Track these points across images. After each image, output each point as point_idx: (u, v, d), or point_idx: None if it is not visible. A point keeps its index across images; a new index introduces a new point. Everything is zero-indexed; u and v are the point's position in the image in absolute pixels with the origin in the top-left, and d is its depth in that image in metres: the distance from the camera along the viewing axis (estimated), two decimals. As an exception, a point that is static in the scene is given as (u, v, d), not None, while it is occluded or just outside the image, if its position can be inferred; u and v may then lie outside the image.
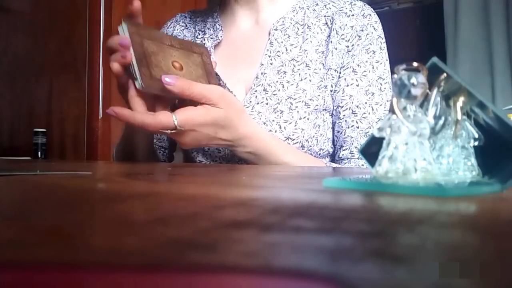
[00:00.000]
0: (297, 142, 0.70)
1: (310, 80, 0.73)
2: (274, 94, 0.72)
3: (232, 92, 0.73)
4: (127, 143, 0.74)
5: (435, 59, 0.26)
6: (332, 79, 0.74)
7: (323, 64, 0.74)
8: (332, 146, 0.75)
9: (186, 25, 0.87)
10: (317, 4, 0.79)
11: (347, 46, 0.74)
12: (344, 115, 0.72)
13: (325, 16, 0.77)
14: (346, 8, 0.76)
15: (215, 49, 0.80)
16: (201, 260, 0.09)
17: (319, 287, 0.07)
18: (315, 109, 0.72)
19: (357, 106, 0.72)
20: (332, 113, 0.75)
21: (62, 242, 0.11)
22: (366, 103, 0.72)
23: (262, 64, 0.75)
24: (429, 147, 0.25)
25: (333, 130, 0.75)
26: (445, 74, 0.26)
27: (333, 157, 0.77)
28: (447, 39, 2.42)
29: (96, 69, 1.71)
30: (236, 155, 0.65)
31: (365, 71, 0.73)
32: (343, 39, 0.74)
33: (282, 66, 0.74)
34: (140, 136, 0.71)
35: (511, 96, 2.23)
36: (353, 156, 0.72)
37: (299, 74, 0.73)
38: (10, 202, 0.19)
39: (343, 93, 0.73)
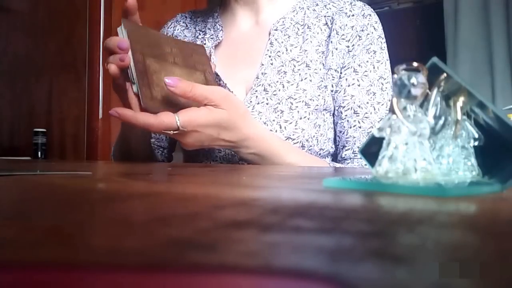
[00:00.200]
0: (298, 142, 0.70)
1: (311, 80, 0.73)
2: (275, 94, 0.72)
3: (232, 92, 0.73)
4: (124, 141, 0.75)
5: (435, 59, 0.26)
6: (333, 79, 0.74)
7: (323, 64, 0.74)
8: (332, 146, 0.75)
9: (187, 25, 0.87)
10: (317, 4, 0.79)
11: (348, 46, 0.74)
12: (346, 115, 0.73)
13: (325, 16, 0.77)
14: (346, 8, 0.76)
15: (216, 49, 0.80)
16: (201, 260, 0.09)
17: (319, 287, 0.07)
18: (316, 109, 0.72)
19: (359, 106, 0.72)
20: (333, 113, 0.75)
21: (62, 242, 0.11)
22: (367, 103, 0.72)
23: (263, 64, 0.75)
24: (429, 147, 0.25)
25: (335, 130, 0.75)
26: (445, 74, 0.26)
27: (335, 157, 0.77)
28: (447, 39, 2.42)
29: (96, 69, 1.71)
30: (239, 156, 0.65)
31: (366, 71, 0.73)
32: (343, 39, 0.74)
33: (283, 66, 0.74)
34: (137, 134, 0.71)
35: (511, 96, 2.23)
36: (356, 156, 0.72)
37: (299, 74, 0.73)
38: (10, 202, 0.19)
39: (344, 93, 0.73)
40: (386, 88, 0.73)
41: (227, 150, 0.71)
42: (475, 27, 2.34)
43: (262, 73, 0.74)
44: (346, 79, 0.73)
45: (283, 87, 0.72)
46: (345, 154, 0.73)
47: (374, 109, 0.72)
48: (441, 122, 0.27)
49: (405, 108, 0.24)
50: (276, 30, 0.77)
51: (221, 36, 0.80)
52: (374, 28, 0.75)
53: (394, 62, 0.34)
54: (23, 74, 1.92)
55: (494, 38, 2.28)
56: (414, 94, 0.24)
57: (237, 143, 0.61)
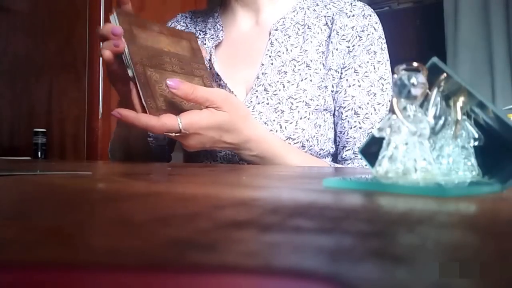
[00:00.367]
0: (298, 142, 0.70)
1: (311, 80, 0.73)
2: (275, 94, 0.72)
3: (232, 92, 0.73)
4: (120, 137, 0.75)
5: (435, 59, 0.26)
6: (333, 80, 0.74)
7: (324, 65, 0.74)
8: (333, 146, 0.75)
9: (187, 25, 0.87)
10: (317, 5, 0.79)
11: (348, 47, 0.74)
12: (346, 116, 0.73)
13: (325, 17, 0.77)
14: (346, 9, 0.76)
15: (216, 49, 0.80)
16: (201, 260, 0.09)
17: (319, 287, 0.07)
18: (316, 109, 0.72)
19: (359, 107, 0.72)
20: (333, 114, 0.75)
21: (62, 242, 0.11)
22: (368, 103, 0.72)
23: (263, 64, 0.75)
24: (429, 147, 0.25)
25: (335, 131, 0.75)
26: (445, 74, 0.26)
27: (335, 157, 0.77)
28: (447, 39, 2.42)
29: (96, 69, 1.71)
30: (241, 157, 0.65)
31: (366, 72, 0.73)
32: (343, 39, 0.74)
33: (283, 66, 0.74)
34: (133, 130, 0.71)
35: (511, 96, 2.23)
36: (357, 156, 0.72)
37: (300, 74, 0.73)
38: (10, 202, 0.19)
39: (345, 93, 0.73)
40: (387, 88, 0.73)
41: (228, 151, 0.71)
42: (475, 27, 2.34)
43: (262, 73, 0.74)
44: (347, 80, 0.73)
45: (284, 87, 0.72)
46: (346, 155, 0.73)
47: (375, 109, 0.72)
48: (441, 122, 0.27)
49: (405, 108, 0.24)
50: (276, 30, 0.77)
51: (222, 36, 0.80)
52: (375, 29, 0.75)
53: (394, 62, 0.34)
54: (23, 74, 1.92)
55: (494, 38, 2.28)
56: (414, 94, 0.24)
57: (239, 145, 0.61)
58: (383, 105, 0.72)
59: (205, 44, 0.81)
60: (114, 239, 0.11)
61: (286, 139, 0.70)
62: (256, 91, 0.73)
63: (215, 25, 0.83)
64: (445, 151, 0.27)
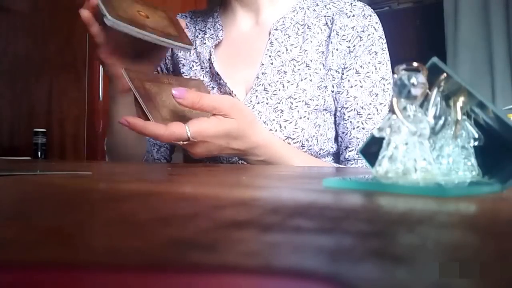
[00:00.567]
0: (297, 142, 0.70)
1: (311, 80, 0.73)
2: (275, 94, 0.72)
3: (232, 92, 0.73)
4: (114, 131, 0.75)
5: (435, 59, 0.26)
6: (333, 80, 0.74)
7: (323, 65, 0.74)
8: (333, 146, 0.75)
9: (187, 25, 0.87)
10: (317, 5, 0.79)
11: (348, 47, 0.74)
12: (349, 116, 0.73)
13: (325, 16, 0.77)
14: (346, 9, 0.76)
15: (216, 49, 0.80)
16: (201, 260, 0.09)
17: (319, 287, 0.07)
18: (315, 109, 0.72)
19: (362, 107, 0.72)
20: (335, 114, 0.75)
21: (62, 242, 0.11)
22: (370, 104, 0.72)
23: (263, 64, 0.75)
24: (429, 147, 0.25)
25: (337, 131, 0.76)
26: (445, 74, 0.26)
27: (336, 157, 0.77)
28: (447, 39, 2.42)
29: (96, 69, 1.71)
30: (248, 162, 0.65)
31: (368, 72, 0.73)
32: (344, 39, 0.74)
33: (283, 66, 0.74)
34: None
35: (511, 96, 2.23)
36: (360, 157, 0.72)
37: (299, 74, 0.73)
38: (10, 202, 0.19)
39: (347, 94, 0.73)
40: (388, 89, 0.73)
41: (234, 157, 0.71)
42: (475, 27, 2.34)
43: (262, 73, 0.74)
44: (349, 80, 0.73)
45: (283, 86, 0.73)
46: (349, 155, 0.73)
47: (377, 110, 0.72)
48: (441, 122, 0.27)
49: (405, 108, 0.24)
50: (276, 29, 0.77)
51: (221, 36, 0.80)
52: (375, 29, 0.75)
53: (394, 62, 0.34)
54: (23, 74, 1.92)
55: (494, 38, 2.28)
56: (414, 94, 0.24)
57: (246, 151, 0.61)
58: (385, 105, 0.72)
59: (204, 43, 0.81)
60: (114, 239, 0.11)
61: (286, 139, 0.70)
62: (256, 90, 0.73)
63: (215, 24, 0.83)
64: (445, 151, 0.27)
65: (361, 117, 0.72)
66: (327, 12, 0.77)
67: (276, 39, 0.76)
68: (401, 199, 0.19)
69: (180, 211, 0.16)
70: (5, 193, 0.22)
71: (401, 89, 0.24)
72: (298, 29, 0.77)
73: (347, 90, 0.73)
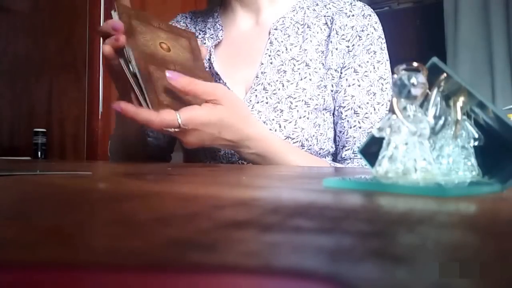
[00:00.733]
0: (297, 141, 0.70)
1: (310, 79, 0.73)
2: (274, 93, 0.72)
3: (232, 91, 0.73)
4: (120, 137, 0.75)
5: (435, 59, 0.26)
6: (332, 79, 0.74)
7: (323, 64, 0.74)
8: (332, 145, 0.75)
9: (187, 25, 0.87)
10: (317, 4, 0.79)
11: (348, 46, 0.74)
12: (346, 115, 0.73)
13: (325, 16, 0.77)
14: (346, 9, 0.76)
15: (216, 49, 0.80)
16: (201, 260, 0.09)
17: (319, 287, 0.07)
18: (315, 109, 0.72)
19: (359, 106, 0.72)
20: (333, 113, 0.75)
21: (62, 242, 0.11)
22: (368, 103, 0.72)
23: (262, 64, 0.75)
24: (429, 147, 0.25)
25: (335, 130, 0.75)
26: (445, 74, 0.26)
27: (335, 157, 0.77)
28: (447, 39, 2.42)
29: (96, 69, 1.71)
30: (241, 156, 0.65)
31: (366, 71, 0.73)
32: (343, 39, 0.74)
33: (282, 65, 0.74)
34: (133, 130, 0.71)
35: (511, 96, 2.23)
36: (356, 156, 0.72)
37: (299, 73, 0.73)
38: (10, 202, 0.19)
39: (344, 93, 0.73)
40: (386, 88, 0.73)
41: (227, 150, 0.71)
42: (475, 27, 2.34)
43: (261, 72, 0.74)
44: (347, 79, 0.73)
45: (283, 86, 0.72)
46: (345, 154, 0.73)
47: (374, 109, 0.72)
48: (441, 122, 0.27)
49: (405, 108, 0.24)
50: (276, 29, 0.77)
51: (221, 36, 0.81)
52: (374, 29, 0.75)
53: (394, 62, 0.34)
54: (23, 74, 1.92)
55: (494, 38, 2.28)
56: (414, 94, 0.24)
57: (238, 143, 0.61)
58: (382, 104, 0.72)
59: (204, 43, 0.82)
60: (114, 239, 0.11)
61: (285, 138, 0.70)
62: (255, 90, 0.73)
63: (215, 24, 0.83)
64: (445, 151, 0.27)
65: (358, 116, 0.72)
66: (327, 11, 0.77)
67: (276, 39, 0.76)
68: (401, 199, 0.19)
69: (180, 211, 0.16)
70: (5, 193, 0.22)
71: (401, 89, 0.24)
72: (298, 28, 0.77)
73: (345, 89, 0.73)
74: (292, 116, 0.70)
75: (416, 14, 2.71)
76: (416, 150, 0.24)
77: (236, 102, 0.60)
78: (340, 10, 0.76)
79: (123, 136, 0.74)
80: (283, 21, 0.78)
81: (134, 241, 0.11)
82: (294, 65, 0.74)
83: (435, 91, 0.26)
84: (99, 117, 1.72)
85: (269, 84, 0.73)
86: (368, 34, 0.74)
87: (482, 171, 0.27)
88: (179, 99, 0.58)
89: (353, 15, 0.75)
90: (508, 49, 2.26)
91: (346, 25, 0.75)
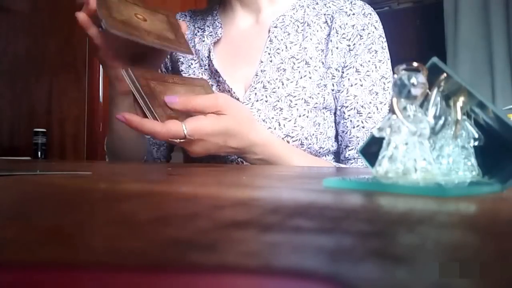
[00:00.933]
0: (296, 140, 0.70)
1: (310, 78, 0.73)
2: (274, 92, 0.72)
3: (231, 89, 0.73)
4: (117, 134, 0.74)
5: (435, 59, 0.26)
6: (333, 78, 0.74)
7: (323, 63, 0.74)
8: (333, 144, 0.75)
9: (187, 25, 0.87)
10: (317, 3, 0.79)
11: (349, 45, 0.74)
12: (349, 115, 0.73)
13: (325, 15, 0.77)
14: (346, 7, 0.76)
15: (215, 47, 0.80)
16: (201, 260, 0.09)
17: (319, 287, 0.07)
18: (315, 107, 0.72)
19: (362, 106, 0.72)
20: (335, 113, 0.75)
21: (62, 242, 0.11)
22: (370, 102, 0.72)
23: (262, 62, 0.75)
24: (429, 147, 0.25)
25: (337, 130, 0.75)
26: (445, 74, 0.26)
27: (337, 155, 0.77)
28: (447, 39, 2.42)
29: (96, 69, 1.71)
30: (246, 161, 0.65)
31: (368, 71, 0.73)
32: (344, 38, 0.74)
33: (282, 63, 0.74)
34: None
35: (511, 96, 2.23)
36: (360, 156, 0.72)
37: (299, 71, 0.73)
38: (10, 202, 0.19)
39: (347, 93, 0.73)
40: (388, 87, 0.73)
41: (232, 156, 0.71)
42: (475, 27, 2.34)
43: (261, 71, 0.74)
44: (349, 79, 0.73)
45: (283, 84, 0.72)
46: (349, 154, 0.73)
47: (377, 108, 0.72)
48: (441, 122, 0.27)
49: (405, 108, 0.24)
50: (275, 27, 0.77)
51: (220, 33, 0.80)
52: (375, 27, 0.75)
53: (394, 62, 0.34)
54: (23, 74, 1.92)
55: (494, 38, 2.28)
56: (414, 94, 0.24)
57: (244, 150, 0.61)
58: (385, 104, 0.72)
59: (203, 41, 0.81)
60: (114, 239, 0.11)
61: (285, 137, 0.70)
62: (255, 88, 0.73)
63: (214, 22, 0.83)
64: (445, 151, 0.27)
65: (361, 116, 0.72)
66: (327, 10, 0.77)
67: (275, 37, 0.76)
68: (401, 199, 0.19)
69: (180, 211, 0.16)
70: (5, 193, 0.22)
71: (401, 89, 0.24)
72: (298, 26, 0.77)
73: (347, 89, 0.73)
74: (292, 114, 0.70)
75: (416, 14, 2.71)
76: (416, 150, 0.24)
77: (240, 109, 0.60)
78: (340, 9, 0.76)
79: (122, 133, 0.74)
80: (283, 19, 0.78)
81: (134, 241, 0.11)
82: (294, 64, 0.74)
83: (435, 91, 0.26)
84: (99, 117, 1.72)
85: (268, 82, 0.73)
86: (369, 33, 0.74)
87: (482, 171, 0.27)
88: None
89: (353, 14, 0.75)
90: (508, 49, 2.26)
91: (347, 24, 0.75)
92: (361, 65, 0.73)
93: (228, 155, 0.68)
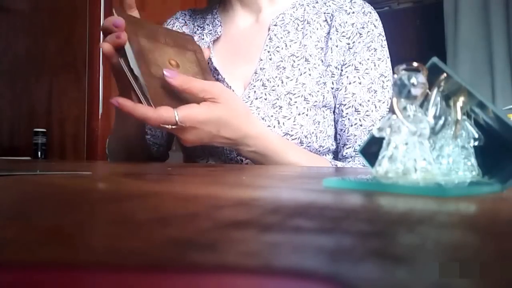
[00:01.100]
0: (296, 138, 0.70)
1: (310, 74, 0.73)
2: (273, 90, 0.72)
3: (230, 87, 0.73)
4: (118, 134, 0.75)
5: (435, 59, 0.26)
6: (332, 76, 0.74)
7: (322, 61, 0.74)
8: (333, 143, 0.75)
9: (186, 22, 0.87)
10: (316, 2, 0.79)
11: (348, 44, 0.74)
12: (347, 113, 0.72)
13: (324, 13, 0.77)
14: (346, 6, 0.76)
15: (214, 45, 0.80)
16: (201, 260, 0.09)
17: (319, 287, 0.07)
18: (314, 105, 0.72)
19: (360, 104, 0.72)
20: (334, 111, 0.75)
21: (62, 242, 0.11)
22: (369, 101, 0.72)
23: (261, 60, 0.75)
24: (429, 147, 0.25)
25: (336, 128, 0.75)
26: (445, 74, 0.26)
27: (336, 154, 0.77)
28: (447, 39, 2.42)
29: (96, 69, 1.71)
30: (240, 153, 0.65)
31: (367, 69, 0.73)
32: (343, 36, 0.74)
33: (282, 61, 0.74)
34: (132, 124, 0.71)
35: (511, 96, 2.23)
36: (357, 154, 0.72)
37: (299, 69, 0.73)
38: (10, 202, 0.19)
39: (345, 91, 0.73)
40: (387, 86, 0.73)
41: (226, 147, 0.71)
42: (475, 27, 2.34)
43: (260, 68, 0.74)
44: (347, 77, 0.73)
45: (282, 82, 0.72)
46: (346, 152, 0.73)
47: (375, 107, 0.72)
48: (441, 122, 0.27)
49: (405, 108, 0.24)
50: (275, 25, 0.77)
51: (220, 31, 0.80)
52: (375, 26, 0.75)
53: (394, 62, 0.34)
54: (23, 74, 1.92)
55: (494, 38, 2.28)
56: (414, 94, 0.24)
57: (237, 141, 0.61)
58: (383, 102, 0.72)
59: (203, 39, 0.82)
60: (114, 239, 0.11)
61: (284, 135, 0.69)
62: (254, 86, 0.73)
63: (214, 21, 0.83)
64: (445, 151, 0.27)
65: (359, 114, 0.72)
66: (327, 9, 0.77)
67: (275, 35, 0.76)
68: (401, 199, 0.19)
69: (180, 211, 0.16)
70: (5, 193, 0.22)
71: (401, 89, 0.24)
72: (298, 25, 0.77)
73: (346, 87, 0.73)
74: (291, 112, 0.70)
75: (416, 14, 2.71)
76: (416, 150, 0.24)
77: (235, 100, 0.60)
78: (340, 7, 0.76)
79: (122, 134, 0.74)
80: (282, 17, 0.78)
81: (134, 241, 0.11)
82: (294, 61, 0.74)
83: (435, 91, 0.26)
84: (99, 117, 1.72)
85: (268, 80, 0.73)
86: (368, 31, 0.74)
87: (482, 171, 0.27)
88: (180, 99, 0.58)
89: (353, 12, 0.75)
90: (508, 49, 2.26)
91: (346, 22, 0.75)
92: (360, 63, 0.73)
93: (221, 145, 0.67)
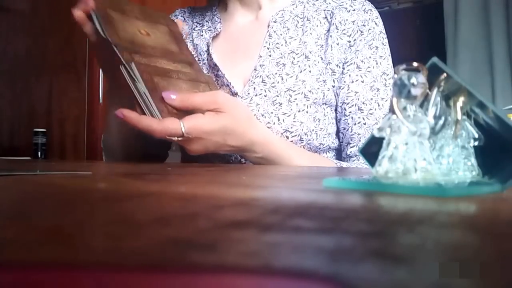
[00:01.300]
0: (296, 135, 0.70)
1: (310, 71, 0.73)
2: (273, 86, 0.72)
3: (230, 83, 0.73)
4: (114, 130, 0.74)
5: (435, 59, 0.26)
6: (333, 74, 0.74)
7: (322, 58, 0.74)
8: (334, 141, 0.75)
9: (185, 19, 0.87)
10: None
11: (349, 41, 0.74)
12: (350, 112, 0.72)
13: (324, 10, 0.77)
14: (346, 3, 0.76)
15: (213, 42, 0.80)
16: (201, 260, 0.09)
17: (319, 287, 0.07)
18: (314, 102, 0.71)
19: (363, 103, 0.72)
20: (336, 110, 0.75)
21: (62, 242, 0.11)
22: (371, 99, 0.72)
23: (261, 56, 0.75)
24: (429, 147, 0.25)
25: (338, 127, 0.75)
26: (445, 74, 0.26)
27: (339, 152, 0.77)
28: (447, 39, 2.42)
29: (96, 69, 1.71)
30: (247, 159, 0.65)
31: (369, 67, 0.73)
32: (344, 34, 0.74)
33: (281, 58, 0.74)
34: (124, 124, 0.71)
35: (511, 96, 2.23)
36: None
37: (299, 66, 0.73)
38: (10, 202, 0.19)
39: (348, 89, 0.73)
40: (389, 84, 0.73)
41: (232, 153, 0.71)
42: (475, 27, 2.34)
43: (260, 65, 0.74)
44: (350, 75, 0.73)
45: (282, 79, 0.72)
46: (350, 151, 0.73)
47: (378, 105, 0.71)
48: (441, 122, 0.27)
49: (405, 108, 0.24)
50: (275, 22, 0.77)
51: (219, 28, 0.80)
52: (376, 24, 0.75)
53: (395, 62, 0.34)
54: (23, 74, 1.92)
55: (494, 38, 2.28)
56: (414, 94, 0.24)
57: (243, 148, 0.61)
58: (386, 100, 0.72)
59: (202, 35, 0.81)
60: (114, 239, 0.11)
61: (284, 132, 0.69)
62: (254, 82, 0.73)
63: (213, 17, 0.83)
64: (445, 151, 0.27)
65: (363, 112, 0.72)
66: (327, 6, 0.77)
67: (275, 32, 0.76)
68: (401, 199, 0.19)
69: (180, 211, 0.16)
70: (5, 193, 0.22)
71: (401, 89, 0.24)
72: (298, 21, 0.77)
73: (348, 85, 0.73)
74: (291, 109, 0.70)
75: (416, 14, 2.71)
76: (416, 150, 0.24)
77: (238, 107, 0.60)
78: (340, 5, 0.76)
79: (118, 131, 0.73)
80: (282, 14, 0.78)
81: (134, 241, 0.11)
82: (294, 58, 0.74)
83: (435, 91, 0.26)
84: (99, 117, 1.72)
85: (267, 76, 0.73)
86: (369, 29, 0.74)
87: (482, 171, 0.27)
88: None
89: (353, 10, 0.75)
90: (508, 49, 2.26)
91: (347, 19, 0.74)
92: (362, 61, 0.73)
93: (228, 153, 0.67)
